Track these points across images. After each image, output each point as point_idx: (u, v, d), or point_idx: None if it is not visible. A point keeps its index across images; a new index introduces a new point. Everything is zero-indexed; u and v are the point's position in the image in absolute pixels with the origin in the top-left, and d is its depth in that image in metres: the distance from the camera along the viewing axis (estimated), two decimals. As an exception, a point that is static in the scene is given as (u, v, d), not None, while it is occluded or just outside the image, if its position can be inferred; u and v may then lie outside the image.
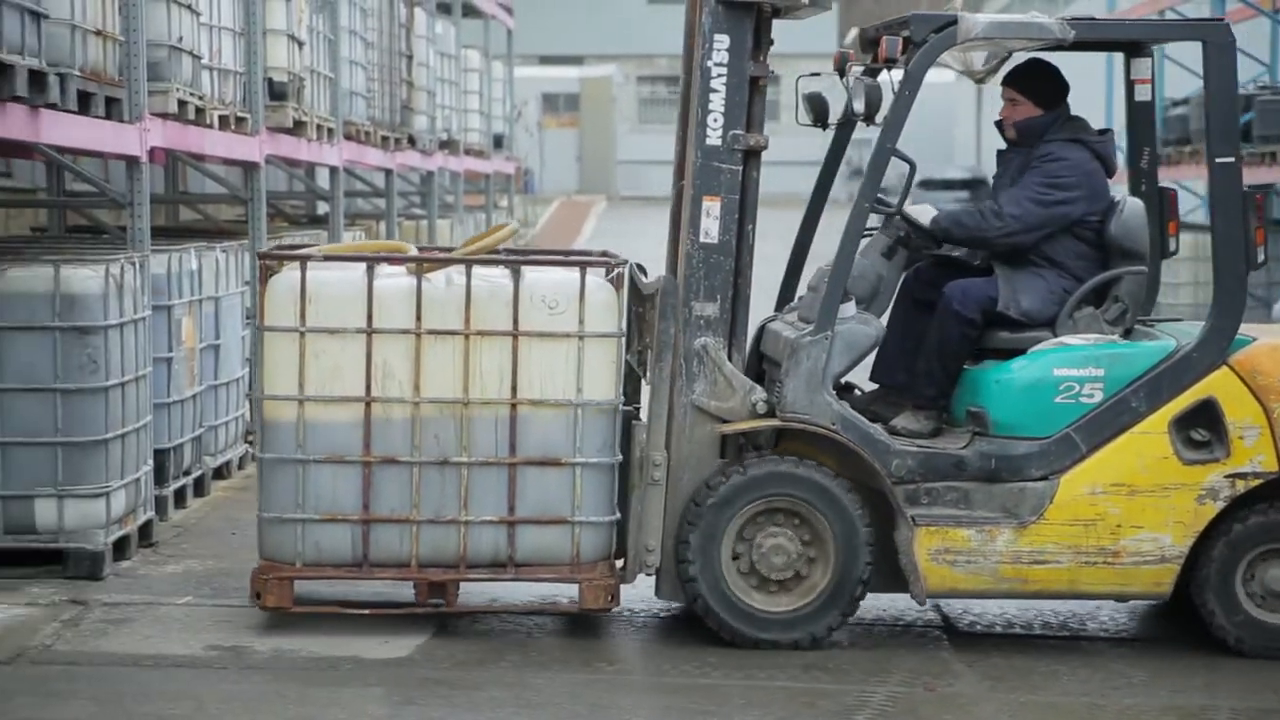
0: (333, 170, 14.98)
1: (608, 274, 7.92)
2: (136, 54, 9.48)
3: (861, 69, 8.23)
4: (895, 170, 8.03)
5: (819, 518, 7.79)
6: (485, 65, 26.73)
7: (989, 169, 27.78)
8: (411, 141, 18.88)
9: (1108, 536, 7.76)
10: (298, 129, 13.03)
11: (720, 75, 7.87)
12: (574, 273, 7.84)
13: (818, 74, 8.34)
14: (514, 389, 7.77)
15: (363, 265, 7.78)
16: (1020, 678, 7.58)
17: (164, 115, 9.96)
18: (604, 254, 8.33)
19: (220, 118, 11.09)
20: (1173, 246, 8.60)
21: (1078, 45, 7.93)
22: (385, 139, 17.20)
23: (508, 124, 30.38)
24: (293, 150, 13.25)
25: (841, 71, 8.23)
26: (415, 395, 7.74)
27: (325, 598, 8.06)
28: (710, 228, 7.92)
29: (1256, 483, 7.78)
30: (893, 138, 7.80)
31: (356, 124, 15.73)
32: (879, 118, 7.91)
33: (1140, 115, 8.51)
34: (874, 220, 8.19)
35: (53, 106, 8.31)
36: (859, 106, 7.92)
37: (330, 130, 14.35)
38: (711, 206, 7.92)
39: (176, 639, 7.71)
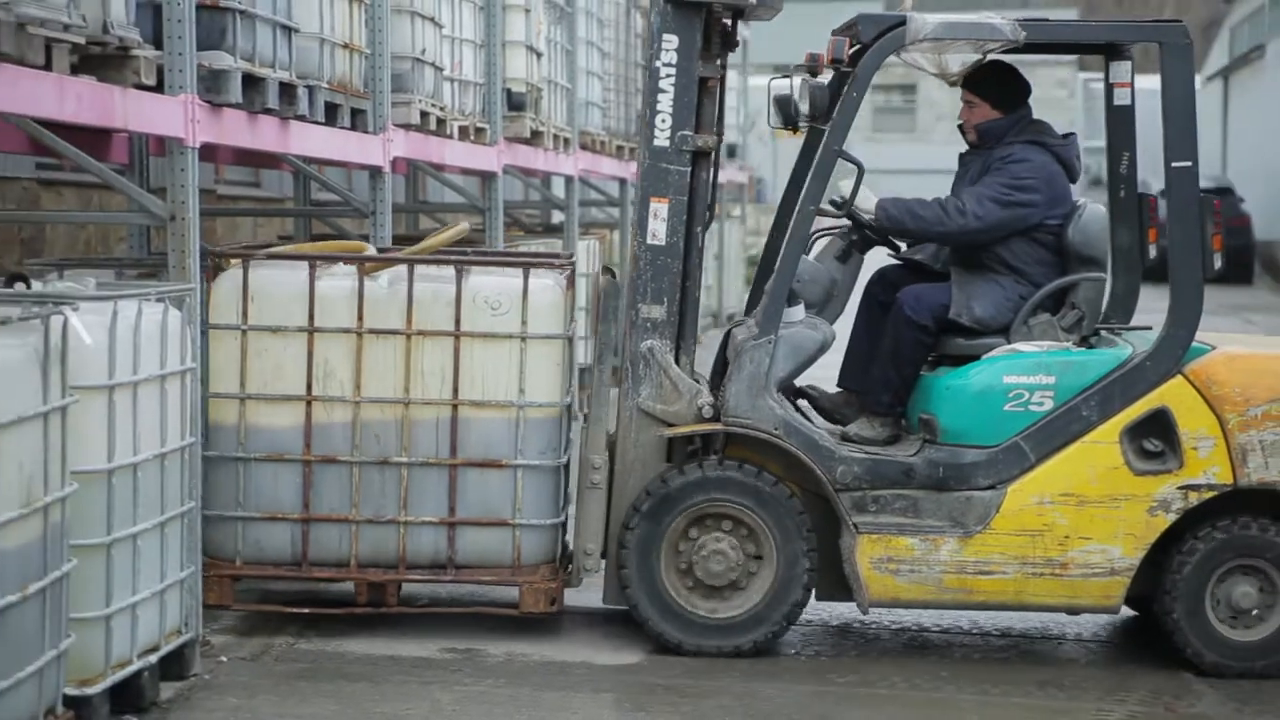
0: (568, 180, 14.98)
1: (556, 276, 7.87)
2: (381, 66, 9.53)
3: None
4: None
5: (759, 524, 7.68)
6: (718, 75, 26.59)
7: (1235, 177, 26.99)
8: (646, 151, 18.89)
9: (1055, 547, 7.59)
10: (534, 139, 13.06)
11: (669, 75, 7.81)
12: (518, 274, 7.80)
13: (788, 75, 8.24)
14: (455, 390, 7.74)
15: (306, 264, 7.79)
16: (1268, 700, 7.35)
17: (406, 126, 9.99)
18: (568, 256, 8.26)
19: (460, 128, 11.14)
20: (1152, 253, 8.40)
21: (1032, 48, 7.78)
22: (620, 148, 17.21)
23: (741, 133, 30.19)
24: (529, 160, 13.30)
25: (814, 71, 8.12)
26: (356, 395, 7.74)
27: (284, 595, 8.09)
28: (657, 229, 7.86)
29: (1210, 494, 7.58)
30: (839, 139, 7.70)
31: (592, 134, 15.74)
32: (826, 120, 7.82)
33: (1120, 119, 8.30)
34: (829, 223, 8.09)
35: (301, 118, 8.37)
36: (804, 107, 7.83)
37: (566, 140, 14.36)
38: (659, 208, 7.85)
39: (414, 641, 7.74)
